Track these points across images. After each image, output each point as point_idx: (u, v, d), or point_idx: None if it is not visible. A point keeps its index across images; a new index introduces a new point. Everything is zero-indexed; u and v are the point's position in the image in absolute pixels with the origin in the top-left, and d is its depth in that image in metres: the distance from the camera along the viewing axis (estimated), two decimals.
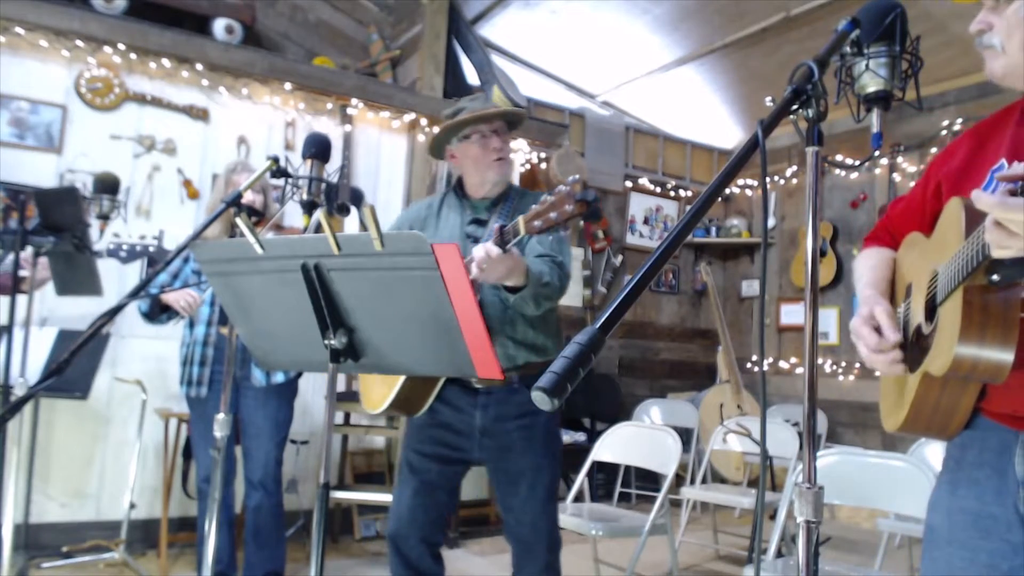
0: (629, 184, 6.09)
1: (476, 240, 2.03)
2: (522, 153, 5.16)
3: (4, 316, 2.33)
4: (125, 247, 2.55)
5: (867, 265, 1.38)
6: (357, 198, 2.32)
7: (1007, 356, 1.00)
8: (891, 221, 1.42)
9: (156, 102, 3.91)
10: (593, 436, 4.85)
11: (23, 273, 2.37)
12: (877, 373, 1.27)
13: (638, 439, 3.20)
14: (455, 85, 4.81)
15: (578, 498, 3.20)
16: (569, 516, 2.92)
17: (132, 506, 3.53)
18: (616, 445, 3.22)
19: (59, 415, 3.56)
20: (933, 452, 2.85)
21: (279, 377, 2.85)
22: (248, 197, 2.67)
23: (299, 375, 2.96)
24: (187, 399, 2.88)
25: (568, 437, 4.97)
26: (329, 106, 4.39)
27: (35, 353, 2.66)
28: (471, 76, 5.00)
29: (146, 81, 3.91)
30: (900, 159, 5.22)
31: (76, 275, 2.52)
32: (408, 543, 2.07)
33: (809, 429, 0.91)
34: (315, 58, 4.62)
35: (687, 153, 6.47)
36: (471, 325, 1.32)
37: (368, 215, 1.25)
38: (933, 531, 1.23)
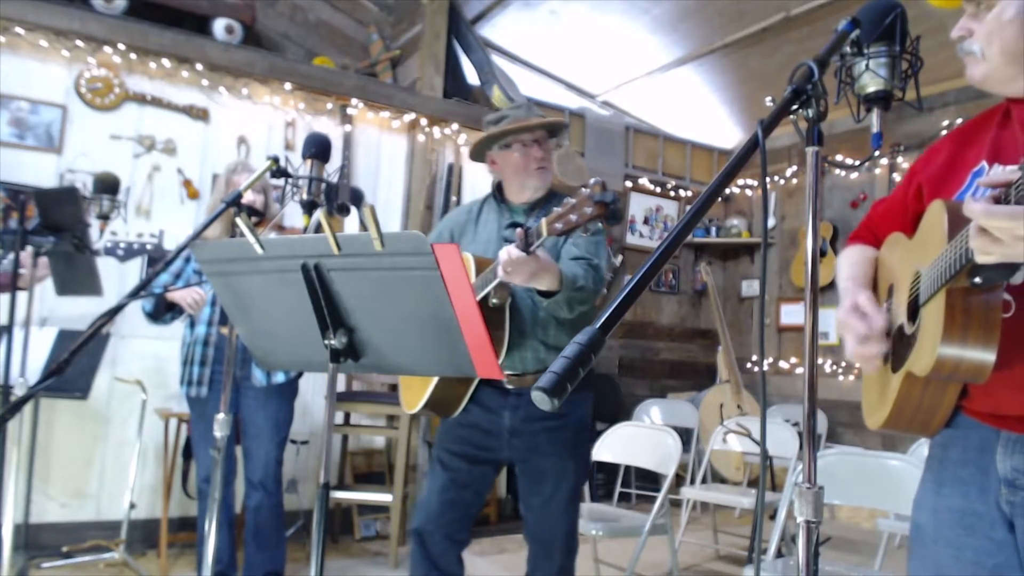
0: (629, 184, 6.09)
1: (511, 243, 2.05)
2: None
3: (4, 316, 2.33)
4: (123, 245, 2.55)
5: (849, 262, 1.40)
6: (357, 198, 2.33)
7: (989, 357, 1.02)
8: (874, 221, 1.44)
9: (156, 102, 3.91)
10: (593, 436, 4.84)
11: (22, 271, 2.37)
12: (857, 365, 1.28)
13: (638, 439, 3.20)
14: (455, 85, 4.81)
15: None
16: None
17: (132, 506, 3.53)
18: (616, 445, 3.22)
19: (59, 415, 3.56)
20: None
21: (279, 377, 2.85)
22: (248, 197, 2.67)
23: (299, 375, 2.96)
24: (187, 399, 2.89)
25: None
26: (329, 106, 4.39)
27: (35, 353, 2.66)
28: (471, 76, 5.00)
29: (146, 81, 3.91)
30: (900, 159, 5.22)
31: (76, 275, 2.52)
32: (433, 538, 2.08)
33: (809, 429, 0.91)
34: (315, 58, 4.62)
35: (687, 153, 6.46)
36: (471, 325, 1.32)
37: (368, 215, 1.25)
38: (919, 530, 1.25)
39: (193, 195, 3.97)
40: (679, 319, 6.45)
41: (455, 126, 4.66)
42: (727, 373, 5.69)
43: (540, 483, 2.06)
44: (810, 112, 0.95)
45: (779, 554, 2.67)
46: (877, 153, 4.83)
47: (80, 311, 3.33)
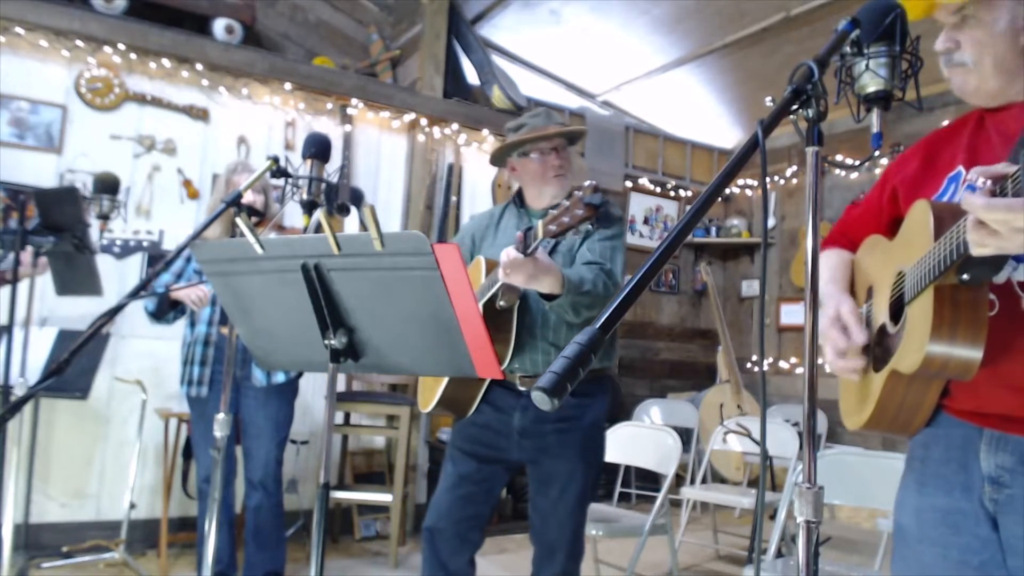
0: (629, 184, 6.08)
1: None
2: None
3: (4, 316, 2.32)
4: (119, 242, 2.55)
5: (828, 266, 1.42)
6: (357, 198, 2.33)
7: (976, 354, 1.03)
8: (848, 225, 1.46)
9: (156, 102, 3.91)
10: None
11: (21, 270, 2.37)
12: (828, 369, 1.30)
13: (638, 439, 3.20)
14: (455, 85, 4.81)
15: None
16: None
17: (132, 506, 3.53)
18: (616, 445, 3.21)
19: (59, 415, 3.56)
20: None
21: (280, 377, 2.86)
22: (248, 197, 2.67)
23: (299, 375, 2.96)
24: (188, 399, 2.89)
25: None
26: (329, 106, 4.39)
27: (35, 353, 2.66)
28: (471, 76, 5.00)
29: (146, 81, 3.91)
30: None
31: (76, 275, 2.52)
32: (443, 536, 2.09)
33: (809, 429, 0.91)
34: (315, 58, 4.62)
35: (687, 153, 6.46)
36: (471, 325, 1.32)
37: (368, 215, 1.25)
38: (903, 531, 1.25)
39: (193, 195, 3.97)
40: (679, 319, 6.45)
41: (455, 126, 4.66)
42: (727, 373, 5.69)
43: (548, 485, 2.06)
44: (810, 112, 0.95)
45: (779, 554, 2.67)
46: (877, 153, 4.83)
47: (80, 311, 3.33)
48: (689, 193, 6.41)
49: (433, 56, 4.71)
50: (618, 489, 4.72)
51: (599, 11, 4.98)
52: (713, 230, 6.45)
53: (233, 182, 2.85)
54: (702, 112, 6.23)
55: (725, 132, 6.46)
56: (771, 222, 6.20)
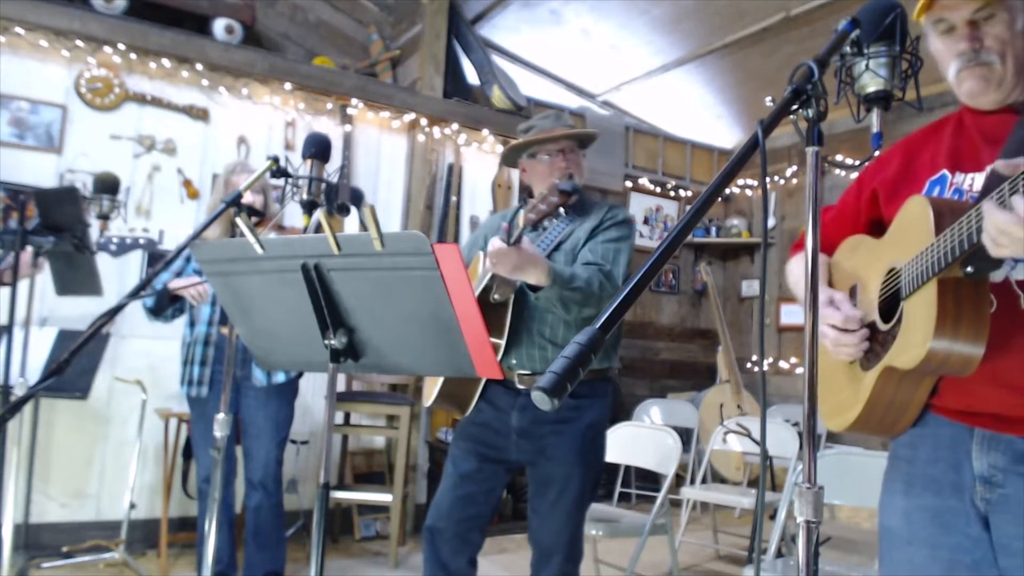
0: (629, 184, 6.09)
1: None
2: None
3: (4, 316, 2.33)
4: (115, 240, 2.55)
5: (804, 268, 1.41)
6: (357, 198, 2.33)
7: (978, 350, 1.04)
8: (822, 227, 1.45)
9: (156, 102, 3.91)
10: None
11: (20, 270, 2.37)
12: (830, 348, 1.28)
13: (638, 439, 3.20)
14: (455, 85, 4.81)
15: None
16: None
17: (132, 506, 3.53)
18: (616, 445, 3.21)
19: (59, 415, 3.56)
20: None
21: (280, 377, 2.85)
22: (248, 198, 2.66)
23: (300, 375, 2.96)
24: (188, 399, 2.89)
25: None
26: (329, 106, 4.39)
27: (35, 353, 2.66)
28: (471, 76, 5.00)
29: (146, 81, 3.91)
30: None
31: (76, 275, 2.52)
32: (443, 536, 2.09)
33: (809, 429, 0.91)
34: (315, 58, 4.62)
35: (687, 153, 6.47)
36: (471, 325, 1.32)
37: (368, 215, 1.25)
38: (890, 533, 1.25)
39: (193, 195, 3.97)
40: (679, 319, 6.45)
41: (455, 126, 4.66)
42: (727, 373, 5.69)
43: (546, 487, 2.05)
44: (810, 112, 0.95)
45: (779, 554, 2.67)
46: (877, 153, 4.82)
47: (80, 311, 3.33)
48: (689, 193, 6.41)
49: (433, 56, 4.71)
50: (618, 489, 4.72)
51: (599, 11, 4.98)
52: (713, 230, 6.45)
53: (232, 182, 2.85)
54: (702, 112, 6.23)
55: (725, 132, 6.46)
56: (771, 222, 6.20)
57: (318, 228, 1.77)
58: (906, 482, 1.22)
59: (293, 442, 3.69)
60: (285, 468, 2.99)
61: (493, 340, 1.96)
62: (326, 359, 1.43)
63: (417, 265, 1.28)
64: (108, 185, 2.67)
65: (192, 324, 2.85)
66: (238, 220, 1.39)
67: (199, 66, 3.97)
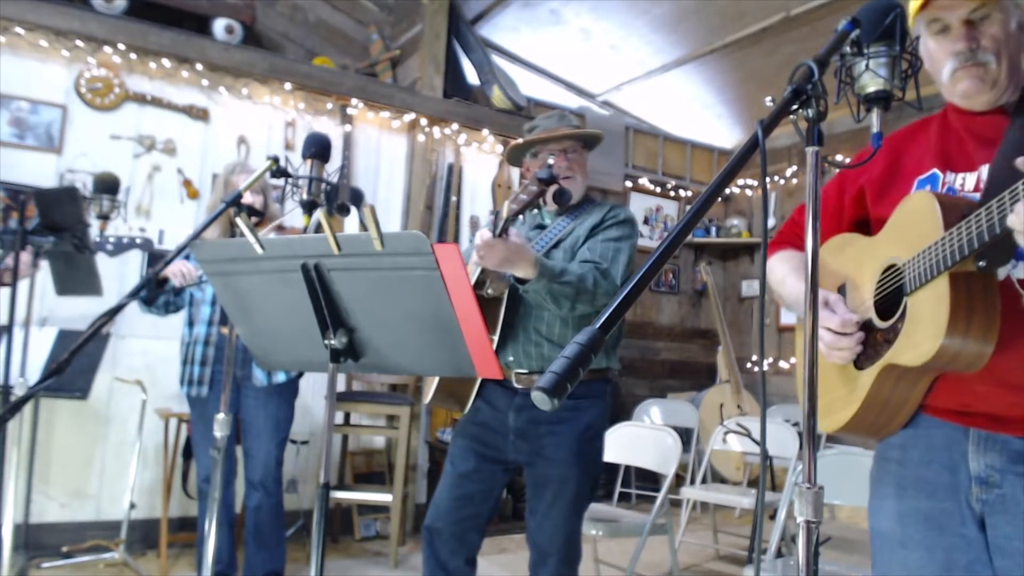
0: (629, 184, 6.09)
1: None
2: None
3: (4, 316, 2.33)
4: (112, 239, 2.55)
5: (789, 267, 1.40)
6: (357, 198, 2.33)
7: (989, 346, 1.03)
8: (801, 227, 1.45)
9: (156, 102, 3.91)
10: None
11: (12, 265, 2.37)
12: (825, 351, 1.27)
13: (638, 439, 3.20)
14: (455, 85, 4.81)
15: None
16: None
17: (132, 506, 3.53)
18: (616, 445, 3.21)
19: (59, 415, 3.56)
20: None
21: (280, 377, 2.85)
22: (248, 198, 2.66)
23: (300, 375, 2.96)
24: (188, 399, 2.89)
25: None
26: (329, 106, 4.39)
27: (35, 353, 2.66)
28: (471, 76, 5.00)
29: (146, 81, 3.91)
30: None
31: (76, 275, 2.52)
32: (441, 536, 2.08)
33: (809, 429, 0.91)
34: (315, 58, 4.62)
35: (687, 153, 6.47)
36: (471, 325, 1.32)
37: (368, 215, 1.25)
38: (883, 536, 1.23)
39: (193, 195, 3.97)
40: (679, 319, 6.45)
41: (455, 126, 4.66)
42: (727, 373, 5.68)
43: (542, 489, 2.04)
44: (810, 112, 0.95)
45: (779, 554, 2.67)
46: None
47: (80, 311, 3.33)
48: (689, 193, 6.41)
49: (433, 56, 4.71)
50: (618, 489, 4.72)
51: (599, 11, 4.98)
52: (713, 230, 6.45)
53: (231, 183, 2.85)
54: (702, 112, 6.23)
55: (725, 132, 6.46)
56: (771, 222, 6.20)
57: (318, 228, 1.77)
58: (898, 484, 1.21)
59: (293, 442, 3.69)
60: (285, 468, 2.99)
61: None
62: (326, 359, 1.43)
63: (417, 265, 1.28)
64: (108, 185, 2.66)
65: (192, 324, 2.85)
66: (238, 220, 1.39)
67: (199, 66, 3.97)
